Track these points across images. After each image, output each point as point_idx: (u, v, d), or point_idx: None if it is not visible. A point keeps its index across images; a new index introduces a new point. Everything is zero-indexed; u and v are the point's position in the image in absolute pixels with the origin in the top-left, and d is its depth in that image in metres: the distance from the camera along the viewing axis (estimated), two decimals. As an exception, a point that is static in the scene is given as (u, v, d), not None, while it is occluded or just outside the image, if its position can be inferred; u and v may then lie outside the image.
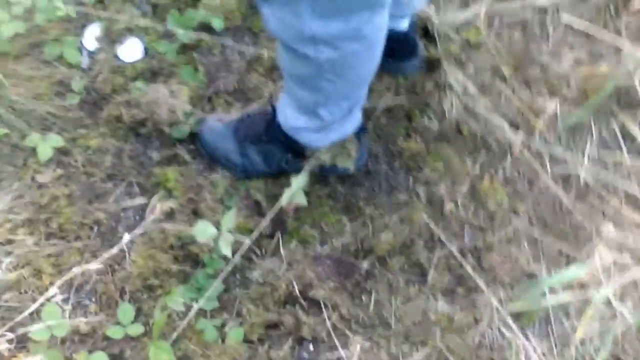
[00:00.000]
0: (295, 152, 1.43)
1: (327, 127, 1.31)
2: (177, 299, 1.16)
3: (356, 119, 1.36)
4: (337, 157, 1.40)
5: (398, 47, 1.55)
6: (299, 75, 1.16)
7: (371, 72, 1.19)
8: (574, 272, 1.43)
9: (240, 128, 1.50)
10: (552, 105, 1.66)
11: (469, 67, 1.71)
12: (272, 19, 1.01)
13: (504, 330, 1.51)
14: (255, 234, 1.32)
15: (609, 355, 1.49)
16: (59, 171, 1.51)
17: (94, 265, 1.25)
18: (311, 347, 1.47)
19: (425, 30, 1.73)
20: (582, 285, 1.50)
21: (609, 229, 1.52)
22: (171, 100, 1.54)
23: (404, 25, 1.54)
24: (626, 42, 1.67)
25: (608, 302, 1.44)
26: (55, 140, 1.51)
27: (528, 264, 1.55)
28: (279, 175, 1.54)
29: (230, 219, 1.14)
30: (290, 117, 1.33)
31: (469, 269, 1.53)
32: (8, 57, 1.53)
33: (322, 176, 1.55)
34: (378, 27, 1.03)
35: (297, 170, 1.50)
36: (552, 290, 1.48)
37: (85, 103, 1.60)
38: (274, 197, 1.53)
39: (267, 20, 1.03)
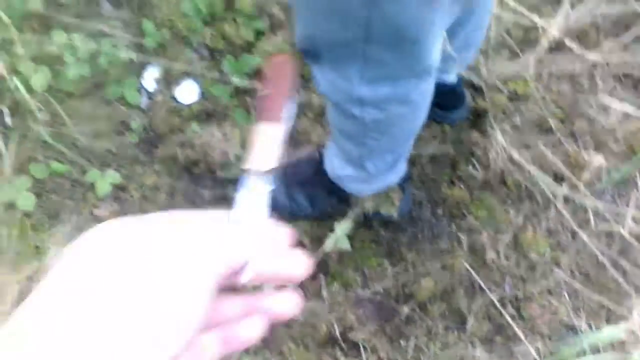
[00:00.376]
0: (341, 197, 1.49)
1: (372, 178, 1.37)
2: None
3: (401, 170, 1.41)
4: (381, 204, 1.46)
5: (445, 99, 1.60)
6: (345, 130, 1.21)
7: (416, 130, 1.25)
8: (614, 332, 1.44)
9: (289, 172, 1.57)
10: (597, 160, 1.68)
11: (515, 118, 1.75)
12: (322, 80, 1.07)
13: (542, 381, 1.53)
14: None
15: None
16: (116, 206, 1.59)
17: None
18: (349, 389, 1.51)
19: (472, 81, 1.78)
20: (622, 342, 1.51)
21: (651, 285, 1.53)
22: (224, 142, 1.61)
23: (452, 78, 1.59)
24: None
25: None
26: (113, 176, 1.60)
27: (568, 316, 1.57)
28: (324, 218, 1.59)
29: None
30: (337, 167, 1.39)
31: (508, 318, 1.55)
32: (72, 97, 1.63)
33: (365, 221, 1.60)
34: (424, 92, 1.08)
35: (342, 214, 1.56)
36: (591, 346, 1.49)
37: (142, 142, 1.68)
38: (318, 239, 1.59)
39: (316, 80, 1.09)
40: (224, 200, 1.62)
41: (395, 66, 0.97)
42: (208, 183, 1.65)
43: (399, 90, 1.02)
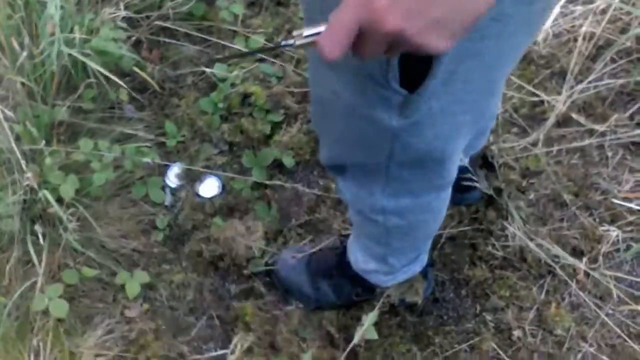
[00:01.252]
0: (365, 286, 1.53)
1: (396, 271, 1.41)
2: None
3: (423, 261, 1.45)
4: (406, 293, 1.50)
5: (458, 181, 1.65)
6: (367, 233, 1.27)
7: (436, 230, 1.30)
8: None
9: (313, 262, 1.62)
10: (614, 232, 1.72)
11: (529, 194, 1.80)
12: (345, 191, 1.13)
13: None
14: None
15: None
16: (146, 306, 1.64)
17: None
18: None
19: (484, 159, 1.84)
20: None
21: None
22: (247, 236, 1.67)
23: (464, 161, 1.64)
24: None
25: None
26: (142, 276, 1.65)
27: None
28: (350, 307, 1.63)
29: (308, 360, 1.23)
30: (360, 261, 1.44)
31: (539, 397, 1.57)
32: (99, 201, 1.70)
33: (391, 306, 1.64)
34: (444, 200, 1.14)
35: (367, 302, 1.60)
36: None
37: (168, 239, 1.74)
38: (345, 328, 1.62)
39: (340, 191, 1.15)
40: (251, 293, 1.66)
41: (418, 183, 1.03)
42: (234, 277, 1.69)
43: (421, 201, 1.08)
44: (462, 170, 1.65)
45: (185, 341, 1.60)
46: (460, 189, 1.71)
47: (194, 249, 1.70)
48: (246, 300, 1.65)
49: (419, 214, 1.12)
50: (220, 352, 1.59)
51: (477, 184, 1.69)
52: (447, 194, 1.14)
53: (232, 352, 1.38)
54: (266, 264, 1.68)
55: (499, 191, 1.78)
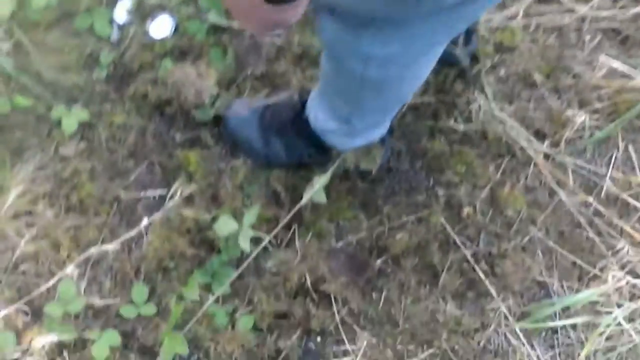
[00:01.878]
0: (319, 148, 1.46)
1: (356, 133, 1.33)
2: (194, 290, 1.20)
3: (385, 128, 1.38)
4: (361, 159, 1.43)
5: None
6: (339, 86, 1.17)
7: (412, 92, 1.21)
8: (588, 294, 1.46)
9: (266, 117, 1.52)
10: (580, 117, 1.67)
11: (500, 70, 1.72)
12: (329, 30, 0.99)
13: (510, 337, 1.55)
14: (275, 231, 1.36)
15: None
16: (82, 145, 1.54)
17: (112, 246, 1.30)
18: (318, 339, 1.52)
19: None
20: (593, 304, 1.53)
21: (625, 248, 1.55)
22: (198, 81, 1.56)
23: None
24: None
25: (617, 322, 1.48)
26: (81, 113, 1.54)
27: (541, 275, 1.58)
28: (300, 167, 1.56)
29: (252, 216, 1.17)
30: (320, 119, 1.35)
31: (481, 274, 1.56)
32: (38, 27, 1.56)
33: (343, 171, 1.57)
34: (435, 56, 1.03)
35: (319, 164, 1.53)
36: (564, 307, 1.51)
37: (112, 77, 1.62)
38: (293, 188, 1.56)
39: (322, 28, 1.00)
40: (197, 143, 1.58)
41: (417, 30, 0.91)
42: (180, 124, 1.60)
43: (412, 50, 0.96)
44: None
45: (122, 185, 1.52)
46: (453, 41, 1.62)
47: (139, 90, 1.59)
48: (191, 149, 1.56)
49: (404, 67, 1.02)
50: (158, 192, 1.52)
51: (472, 34, 1.60)
52: (440, 50, 1.03)
53: (171, 198, 1.31)
54: (216, 113, 1.58)
55: (469, 64, 1.69)
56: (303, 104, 1.45)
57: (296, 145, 1.50)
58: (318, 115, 1.35)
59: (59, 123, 1.53)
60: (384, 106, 1.24)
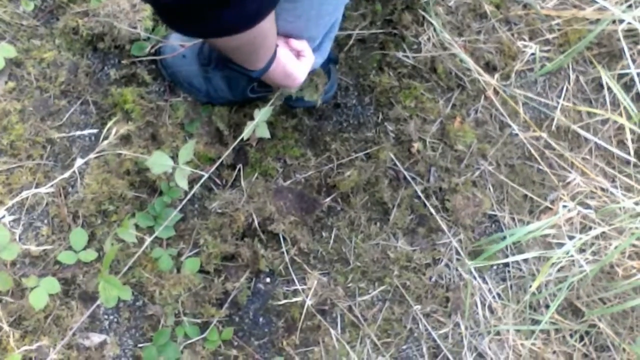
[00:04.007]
0: (261, 81, 1.41)
1: None
2: (129, 231, 1.15)
3: (326, 50, 1.33)
4: (304, 90, 1.39)
5: None
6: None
7: (338, 8, 1.17)
8: (538, 226, 1.47)
9: (205, 50, 1.47)
10: (531, 49, 1.66)
11: (449, 1, 1.68)
12: None
13: (461, 271, 1.56)
14: (214, 168, 1.32)
15: (562, 300, 1.55)
16: (11, 84, 1.46)
17: (46, 189, 1.24)
18: (268, 280, 1.50)
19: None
20: (544, 236, 1.54)
21: (576, 180, 1.56)
22: (132, 14, 1.48)
23: None
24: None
25: (569, 253, 1.49)
26: (7, 50, 1.46)
27: (492, 209, 1.59)
28: (244, 103, 1.52)
29: (188, 152, 1.13)
30: None
31: (431, 209, 1.56)
32: (-44, -44, 1.45)
33: (288, 107, 1.54)
34: None
35: (263, 99, 1.49)
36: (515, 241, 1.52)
37: (40, 11, 1.53)
38: (237, 126, 1.52)
39: None
40: (133, 80, 1.51)
41: None
42: (114, 60, 1.53)
43: None
44: None
45: (54, 126, 1.45)
46: None
47: (70, 24, 1.50)
48: (127, 86, 1.50)
49: None
50: (94, 132, 1.46)
51: None
52: None
53: (106, 138, 1.25)
54: (152, 48, 1.51)
55: (417, -6, 1.65)
56: None
57: (238, 80, 1.45)
58: None
59: (-17, 61, 1.44)
60: (317, 16, 1.18)
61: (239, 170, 1.52)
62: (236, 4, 0.79)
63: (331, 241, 1.53)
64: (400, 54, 1.62)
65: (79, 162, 1.20)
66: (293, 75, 1.21)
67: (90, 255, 1.37)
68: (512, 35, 1.67)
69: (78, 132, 1.46)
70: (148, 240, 1.25)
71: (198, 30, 0.85)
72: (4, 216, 1.32)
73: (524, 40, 1.67)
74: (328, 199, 1.54)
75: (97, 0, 1.50)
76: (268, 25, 0.89)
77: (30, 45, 1.50)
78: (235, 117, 1.52)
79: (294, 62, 1.19)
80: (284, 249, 1.49)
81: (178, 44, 1.48)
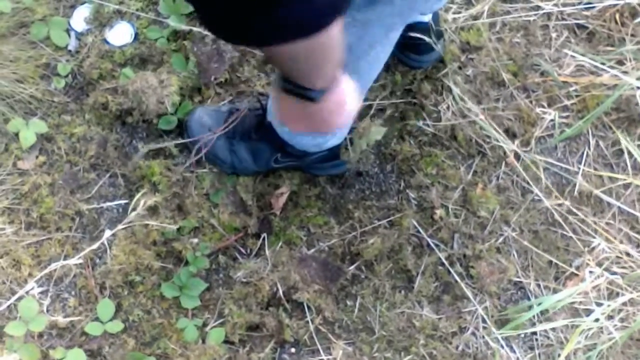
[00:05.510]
0: (285, 151, 1.44)
1: (323, 135, 1.32)
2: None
3: (349, 126, 1.36)
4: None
5: (416, 41, 1.54)
6: None
7: (370, 83, 1.19)
8: (566, 296, 1.46)
9: (230, 124, 1.50)
10: (550, 115, 1.68)
11: (467, 70, 1.72)
12: None
13: (488, 340, 1.54)
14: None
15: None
16: (42, 158, 1.51)
17: (75, 261, 1.27)
18: (293, 350, 1.50)
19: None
20: (572, 303, 1.53)
21: (600, 245, 1.55)
22: (160, 89, 1.54)
23: (427, 18, 1.52)
24: (630, 53, 1.69)
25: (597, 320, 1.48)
26: (39, 125, 1.51)
27: (517, 275, 1.58)
28: (268, 174, 1.55)
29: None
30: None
31: (456, 276, 1.55)
32: (-8, 39, 1.53)
33: (312, 176, 1.56)
34: (391, 43, 1.00)
35: (286, 169, 1.52)
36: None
37: (71, 88, 1.59)
38: (261, 196, 1.55)
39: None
40: (161, 152, 1.55)
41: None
42: (142, 134, 1.57)
43: (367, 38, 0.94)
44: (424, 29, 1.54)
45: (83, 198, 1.49)
46: (418, 51, 1.61)
47: (99, 100, 1.56)
48: (155, 159, 1.54)
49: (358, 59, 0.99)
50: (121, 202, 1.49)
51: (440, 39, 1.60)
52: (395, 37, 0.99)
53: (134, 209, 1.28)
54: (179, 122, 1.56)
55: (438, 64, 1.69)
56: (264, 108, 1.44)
57: (262, 151, 1.48)
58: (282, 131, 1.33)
59: (16, 136, 1.50)
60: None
61: (264, 239, 1.53)
62: None
63: (356, 310, 1.53)
64: (420, 123, 1.65)
65: (107, 233, 1.23)
66: (346, 110, 0.96)
67: (116, 326, 1.38)
68: (531, 102, 1.70)
69: (106, 204, 1.49)
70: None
71: (256, 32, 0.65)
72: (32, 288, 1.34)
73: (543, 106, 1.70)
74: (352, 267, 1.54)
75: (126, 77, 1.55)
76: (337, 31, 0.70)
77: (61, 120, 1.55)
78: (259, 187, 1.55)
79: (353, 95, 0.96)
80: (308, 318, 1.49)
81: (203, 118, 1.52)
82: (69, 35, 1.62)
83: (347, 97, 0.93)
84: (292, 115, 0.95)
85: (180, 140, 1.53)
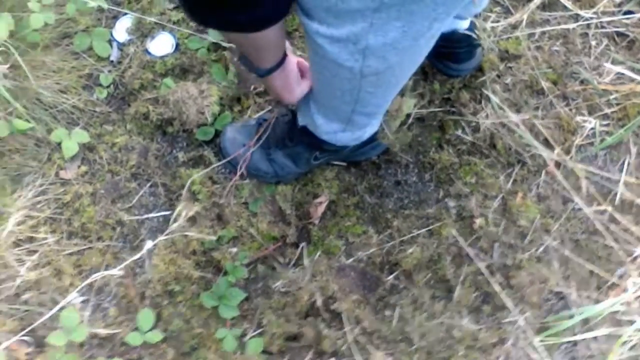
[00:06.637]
0: (322, 148, 1.36)
1: (361, 126, 1.24)
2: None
3: (379, 121, 1.30)
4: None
5: (458, 48, 1.48)
6: (336, 91, 1.07)
7: (410, 75, 1.11)
8: (608, 305, 1.34)
9: (262, 135, 1.42)
10: (590, 123, 1.57)
11: (506, 79, 1.61)
12: (321, 39, 0.91)
13: (529, 350, 1.43)
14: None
15: (635, 381, 1.41)
16: (84, 168, 1.44)
17: (116, 271, 1.19)
18: (331, 360, 1.41)
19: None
20: (614, 313, 1.41)
21: (644, 255, 1.44)
22: (200, 100, 1.46)
23: (465, 24, 1.44)
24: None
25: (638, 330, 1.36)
26: (81, 135, 1.45)
27: (558, 284, 1.47)
28: (306, 182, 1.46)
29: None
30: (322, 125, 1.25)
31: (496, 287, 1.45)
32: (36, 48, 1.46)
33: (350, 185, 1.47)
34: (434, 35, 0.93)
35: (327, 163, 1.44)
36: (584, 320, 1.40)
37: (112, 98, 1.53)
38: (299, 205, 1.46)
39: (313, 40, 0.94)
40: (201, 162, 1.47)
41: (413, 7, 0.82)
42: (183, 144, 1.50)
43: (411, 32, 0.87)
44: (463, 34, 1.45)
45: (124, 208, 1.42)
46: (456, 59, 1.52)
47: (140, 110, 1.49)
48: (195, 168, 1.46)
49: (403, 52, 0.92)
50: (161, 213, 1.41)
51: (477, 48, 1.51)
52: (439, 29, 0.92)
53: (175, 220, 1.21)
54: (216, 132, 1.48)
55: (476, 73, 1.59)
56: (293, 112, 1.36)
57: (300, 153, 1.40)
58: (318, 122, 1.25)
59: (59, 146, 1.43)
60: (382, 97, 1.15)
61: (302, 248, 1.45)
62: (251, 7, 0.84)
63: (394, 320, 1.43)
64: (459, 132, 1.54)
65: (149, 244, 1.16)
66: (290, 88, 1.17)
67: (156, 336, 1.31)
68: (570, 110, 1.59)
69: (147, 215, 1.42)
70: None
71: (218, 23, 0.88)
72: (74, 298, 1.27)
73: (583, 114, 1.58)
74: (391, 277, 1.45)
75: (167, 87, 1.48)
76: (273, 33, 0.92)
77: (103, 130, 1.48)
78: (298, 196, 1.46)
79: (296, 78, 1.17)
80: (347, 329, 1.40)
81: (235, 136, 1.44)
82: (111, 46, 1.56)
83: (291, 80, 1.14)
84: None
85: (220, 162, 1.45)
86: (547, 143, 1.56)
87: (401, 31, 0.86)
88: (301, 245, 1.44)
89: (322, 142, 1.33)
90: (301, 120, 1.33)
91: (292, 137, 1.40)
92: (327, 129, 1.28)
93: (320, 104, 1.20)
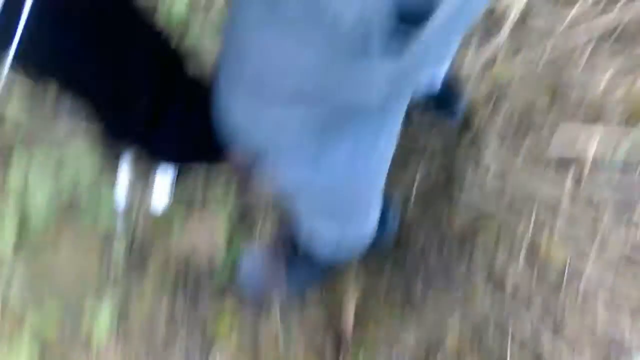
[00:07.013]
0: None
1: (365, 232, 1.14)
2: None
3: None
4: None
5: (442, 97, 1.44)
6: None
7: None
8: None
9: (279, 266, 1.41)
10: (597, 134, 1.45)
11: (504, 106, 1.51)
12: None
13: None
14: None
15: None
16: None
17: None
18: None
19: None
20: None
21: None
22: (210, 240, 1.47)
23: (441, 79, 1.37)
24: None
25: None
26: (110, 311, 1.47)
27: (609, 323, 1.38)
28: (332, 274, 1.45)
29: None
30: (321, 246, 1.20)
31: (546, 343, 1.38)
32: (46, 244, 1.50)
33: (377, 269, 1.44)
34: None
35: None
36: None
37: (130, 263, 1.52)
38: (331, 317, 1.44)
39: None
40: (224, 300, 1.47)
41: None
42: (206, 285, 1.49)
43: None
44: (443, 85, 1.40)
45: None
46: (445, 105, 1.48)
47: (157, 269, 1.50)
48: (221, 308, 1.46)
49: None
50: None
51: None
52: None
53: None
54: (232, 269, 1.48)
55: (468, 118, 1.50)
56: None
57: (315, 266, 1.37)
58: (317, 245, 1.20)
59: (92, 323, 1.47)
60: (367, 199, 1.03)
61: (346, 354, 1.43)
62: None
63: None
64: (464, 196, 1.47)
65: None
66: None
67: None
68: (575, 121, 1.47)
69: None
70: None
71: None
72: None
73: (589, 125, 1.46)
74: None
75: (178, 233, 1.49)
76: None
77: (127, 298, 1.50)
78: (325, 299, 1.44)
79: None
80: None
81: (253, 267, 1.43)
82: (116, 216, 1.56)
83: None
84: None
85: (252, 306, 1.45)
86: (560, 164, 1.45)
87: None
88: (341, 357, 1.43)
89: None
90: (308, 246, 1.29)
91: (304, 255, 1.36)
92: (328, 247, 1.23)
93: (313, 225, 1.14)
